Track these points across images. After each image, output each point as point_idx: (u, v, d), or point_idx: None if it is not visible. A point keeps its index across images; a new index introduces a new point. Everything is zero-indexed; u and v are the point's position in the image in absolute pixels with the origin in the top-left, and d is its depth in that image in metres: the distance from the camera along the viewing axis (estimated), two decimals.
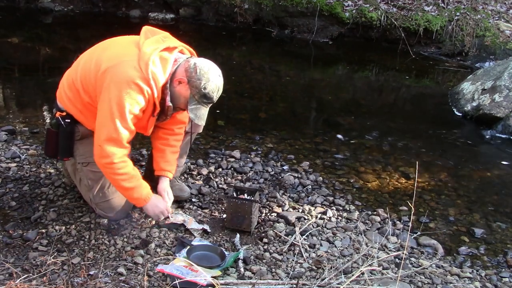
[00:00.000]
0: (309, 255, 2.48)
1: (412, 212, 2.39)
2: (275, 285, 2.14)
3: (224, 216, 2.68)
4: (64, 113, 2.42)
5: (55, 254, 2.30)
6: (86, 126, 2.44)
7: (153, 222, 2.60)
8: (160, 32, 2.35)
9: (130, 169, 2.33)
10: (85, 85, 2.31)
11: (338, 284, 2.10)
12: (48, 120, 3.97)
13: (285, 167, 3.45)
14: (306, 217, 2.82)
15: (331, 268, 2.32)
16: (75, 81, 2.35)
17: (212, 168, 3.28)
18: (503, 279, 2.52)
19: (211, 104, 2.33)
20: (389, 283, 2.24)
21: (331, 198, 3.09)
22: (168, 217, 2.56)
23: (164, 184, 2.57)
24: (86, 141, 2.48)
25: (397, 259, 2.54)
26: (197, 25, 7.53)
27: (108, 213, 2.54)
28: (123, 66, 2.18)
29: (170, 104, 2.31)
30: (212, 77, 2.23)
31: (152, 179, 2.89)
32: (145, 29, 2.34)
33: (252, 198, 2.65)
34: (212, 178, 3.18)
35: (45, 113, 4.18)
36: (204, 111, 2.31)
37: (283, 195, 3.07)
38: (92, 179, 2.49)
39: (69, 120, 2.42)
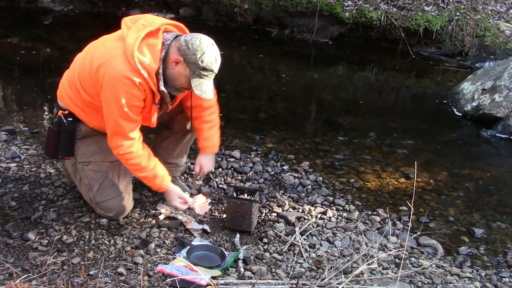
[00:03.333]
0: (309, 255, 2.48)
1: (411, 212, 2.39)
2: (275, 285, 2.14)
3: (224, 216, 2.68)
4: (66, 112, 2.43)
5: (55, 254, 2.30)
6: (88, 124, 2.45)
7: (153, 222, 2.61)
8: (141, 17, 2.32)
9: (141, 159, 2.38)
10: (83, 84, 2.33)
11: (338, 284, 2.10)
12: (47, 120, 3.97)
13: (285, 167, 3.45)
14: (306, 217, 2.82)
15: (331, 268, 2.32)
16: (74, 81, 2.37)
17: (212, 168, 3.28)
18: (503, 279, 2.52)
19: (214, 75, 2.30)
20: (389, 283, 2.24)
21: (331, 198, 3.09)
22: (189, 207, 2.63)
23: (202, 158, 2.68)
24: (88, 140, 2.48)
25: (397, 259, 2.54)
26: (197, 25, 7.52)
27: (108, 213, 2.54)
28: (111, 62, 2.19)
29: (163, 89, 2.29)
30: (206, 48, 2.20)
31: None
32: (124, 20, 2.32)
33: (252, 198, 2.65)
34: (212, 178, 3.17)
35: (45, 113, 4.18)
36: (208, 85, 2.29)
37: (283, 195, 3.07)
38: (93, 178, 2.50)
39: (71, 119, 2.43)
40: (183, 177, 3.10)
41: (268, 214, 2.84)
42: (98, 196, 2.51)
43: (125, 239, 2.46)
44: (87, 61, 2.29)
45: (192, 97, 2.51)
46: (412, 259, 2.58)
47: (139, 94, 2.23)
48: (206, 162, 2.70)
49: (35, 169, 3.06)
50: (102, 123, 2.41)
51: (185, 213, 2.74)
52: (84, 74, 2.30)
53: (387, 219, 2.89)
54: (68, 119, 2.42)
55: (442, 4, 7.21)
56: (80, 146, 2.49)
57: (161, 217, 2.65)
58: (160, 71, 2.25)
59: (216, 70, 2.27)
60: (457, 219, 3.07)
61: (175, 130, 2.73)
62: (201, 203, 2.63)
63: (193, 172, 2.89)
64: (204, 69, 2.22)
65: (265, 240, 2.57)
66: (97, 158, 2.49)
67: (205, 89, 2.28)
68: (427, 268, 2.47)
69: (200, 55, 2.19)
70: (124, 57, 2.18)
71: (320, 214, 2.89)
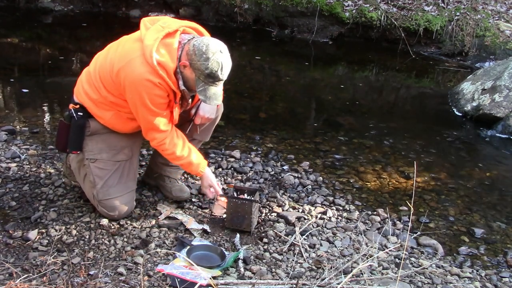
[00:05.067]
0: (309, 255, 2.48)
1: (411, 212, 2.39)
2: (275, 285, 2.14)
3: (224, 216, 2.68)
4: (77, 106, 2.45)
5: (55, 254, 2.30)
6: (99, 120, 2.46)
7: (153, 222, 2.61)
8: (159, 19, 2.34)
9: (175, 149, 2.47)
10: (106, 85, 2.36)
11: (338, 284, 2.10)
12: (47, 120, 3.98)
13: (285, 167, 3.45)
14: (306, 217, 2.82)
15: (331, 268, 2.32)
16: (95, 79, 2.40)
17: (212, 168, 3.28)
18: (503, 279, 2.52)
19: (221, 82, 2.29)
20: (389, 283, 2.24)
21: (331, 198, 3.09)
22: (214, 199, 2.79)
23: (203, 105, 2.57)
24: (96, 137, 2.50)
25: (397, 259, 2.54)
26: None
27: (110, 212, 2.54)
28: (131, 65, 2.22)
29: (183, 88, 2.32)
30: (211, 55, 2.17)
31: (150, 176, 2.92)
32: (144, 20, 2.34)
33: (252, 198, 2.65)
34: None
35: (45, 113, 4.18)
36: (214, 91, 2.27)
37: (283, 195, 3.07)
38: (98, 176, 2.50)
39: (81, 113, 2.45)
40: (183, 177, 3.10)
41: (268, 214, 2.84)
42: (101, 194, 2.51)
43: (125, 239, 2.46)
44: (107, 62, 2.33)
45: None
46: (412, 259, 2.58)
47: (161, 93, 2.26)
48: (208, 109, 2.59)
49: (35, 169, 3.06)
50: (114, 119, 2.44)
51: (185, 213, 2.74)
52: (106, 75, 2.33)
53: (387, 219, 2.89)
54: (79, 113, 2.44)
55: (442, 4, 7.22)
56: (88, 143, 2.50)
57: (161, 217, 2.65)
58: (178, 70, 2.27)
59: (222, 77, 2.24)
60: (457, 219, 3.07)
61: None
62: (220, 204, 2.73)
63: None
64: (209, 75, 2.21)
65: (265, 240, 2.57)
66: (104, 156, 2.50)
67: (209, 95, 2.27)
68: (427, 268, 2.47)
69: (204, 62, 2.18)
70: (142, 58, 2.20)
71: (320, 214, 2.89)
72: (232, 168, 3.34)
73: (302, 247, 2.51)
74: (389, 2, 7.24)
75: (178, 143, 2.46)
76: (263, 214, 2.83)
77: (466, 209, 3.19)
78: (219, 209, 2.76)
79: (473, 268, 2.60)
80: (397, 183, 3.44)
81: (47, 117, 4.08)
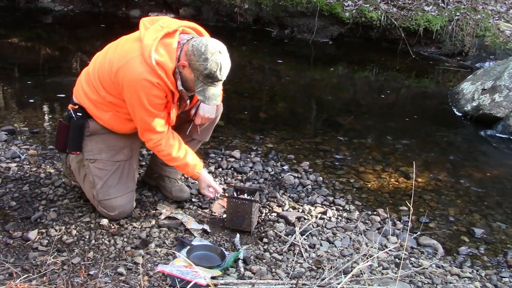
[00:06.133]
0: (309, 255, 2.48)
1: (411, 212, 2.39)
2: (275, 285, 2.14)
3: (224, 216, 2.68)
4: (76, 106, 2.45)
5: (55, 254, 2.30)
6: (98, 121, 2.46)
7: (153, 222, 2.61)
8: (158, 19, 2.35)
9: (171, 150, 2.45)
10: (105, 85, 2.36)
11: (338, 284, 2.10)
12: (47, 120, 3.98)
13: (285, 167, 3.45)
14: (306, 217, 2.82)
15: (331, 268, 2.32)
16: (94, 79, 2.40)
17: (212, 168, 3.28)
18: (503, 279, 2.52)
19: (220, 83, 2.29)
20: (389, 283, 2.24)
21: (331, 198, 3.09)
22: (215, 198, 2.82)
23: (203, 105, 2.56)
24: (96, 138, 2.50)
25: (397, 259, 2.54)
26: None
27: (110, 212, 2.54)
28: (130, 64, 2.22)
29: (181, 88, 2.32)
30: (210, 56, 2.17)
31: (150, 176, 2.92)
32: (143, 20, 2.34)
33: (252, 198, 2.65)
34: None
35: (45, 113, 4.18)
36: (213, 91, 2.27)
37: (283, 195, 3.07)
38: (98, 176, 2.50)
39: (80, 114, 2.45)
40: (183, 178, 3.10)
41: (268, 214, 2.84)
42: (101, 194, 2.51)
43: (125, 239, 2.46)
44: (106, 62, 2.32)
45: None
46: (412, 259, 2.58)
47: (159, 93, 2.26)
48: (208, 109, 2.58)
49: (35, 169, 3.06)
50: (113, 119, 2.44)
51: (185, 213, 2.74)
52: (105, 75, 2.33)
53: (387, 219, 2.89)
54: (78, 114, 2.44)
55: (442, 4, 7.22)
56: (88, 143, 2.50)
57: (161, 217, 2.65)
58: (177, 70, 2.27)
59: (221, 77, 2.24)
60: (457, 219, 3.07)
61: (182, 137, 2.73)
62: (220, 203, 2.76)
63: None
64: (208, 76, 2.21)
65: (265, 240, 2.57)
66: (103, 156, 2.50)
67: (208, 95, 2.27)
68: (427, 268, 2.47)
69: (203, 62, 2.18)
70: (141, 58, 2.20)
71: (320, 214, 2.89)
72: (232, 168, 3.34)
73: (302, 247, 2.51)
74: (389, 2, 7.24)
75: (174, 145, 2.45)
76: (263, 214, 2.83)
77: (466, 209, 3.19)
78: (219, 208, 2.76)
79: (473, 268, 2.60)
80: (397, 183, 3.44)
81: (47, 117, 4.08)
